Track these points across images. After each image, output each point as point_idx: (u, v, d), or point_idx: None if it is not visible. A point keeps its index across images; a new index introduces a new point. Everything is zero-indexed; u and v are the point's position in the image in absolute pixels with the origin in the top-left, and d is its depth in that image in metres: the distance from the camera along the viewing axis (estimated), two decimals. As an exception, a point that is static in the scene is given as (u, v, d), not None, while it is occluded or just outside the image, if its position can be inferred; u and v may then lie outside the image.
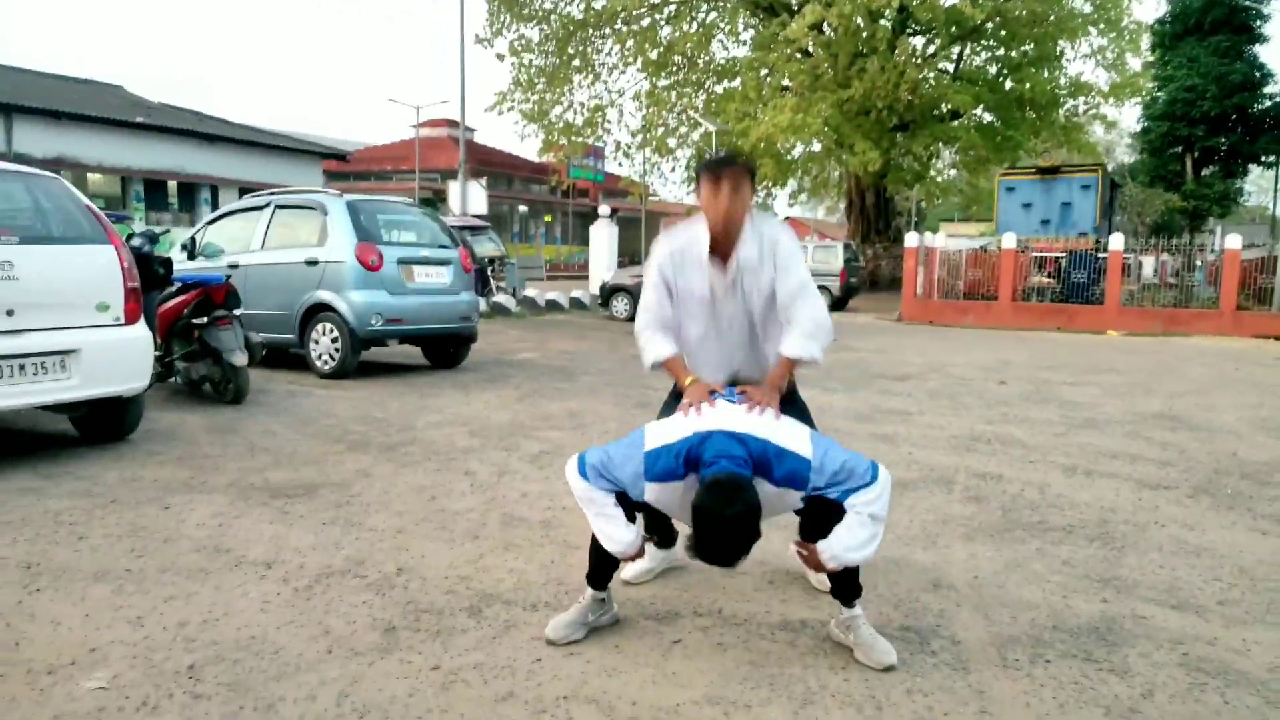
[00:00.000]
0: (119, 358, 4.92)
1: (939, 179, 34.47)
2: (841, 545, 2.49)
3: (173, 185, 23.31)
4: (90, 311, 4.85)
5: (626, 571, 3.13)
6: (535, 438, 5.71)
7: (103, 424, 5.23)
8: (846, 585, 2.68)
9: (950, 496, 4.52)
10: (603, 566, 2.76)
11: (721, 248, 2.83)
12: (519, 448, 5.42)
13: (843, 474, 2.49)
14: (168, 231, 9.01)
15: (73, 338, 4.69)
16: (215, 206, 23.73)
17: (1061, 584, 3.31)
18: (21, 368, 4.49)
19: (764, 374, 2.89)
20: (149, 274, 6.33)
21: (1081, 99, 26.83)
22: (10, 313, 4.46)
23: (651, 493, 2.57)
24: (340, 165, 33.15)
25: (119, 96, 25.25)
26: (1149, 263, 21.89)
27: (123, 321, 4.99)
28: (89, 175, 20.95)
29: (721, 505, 2.30)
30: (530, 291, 18.96)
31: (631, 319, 16.81)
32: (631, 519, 2.65)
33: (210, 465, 4.80)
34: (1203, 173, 31.10)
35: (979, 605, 3.10)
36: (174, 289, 6.60)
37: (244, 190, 24.10)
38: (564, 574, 3.32)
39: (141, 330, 5.11)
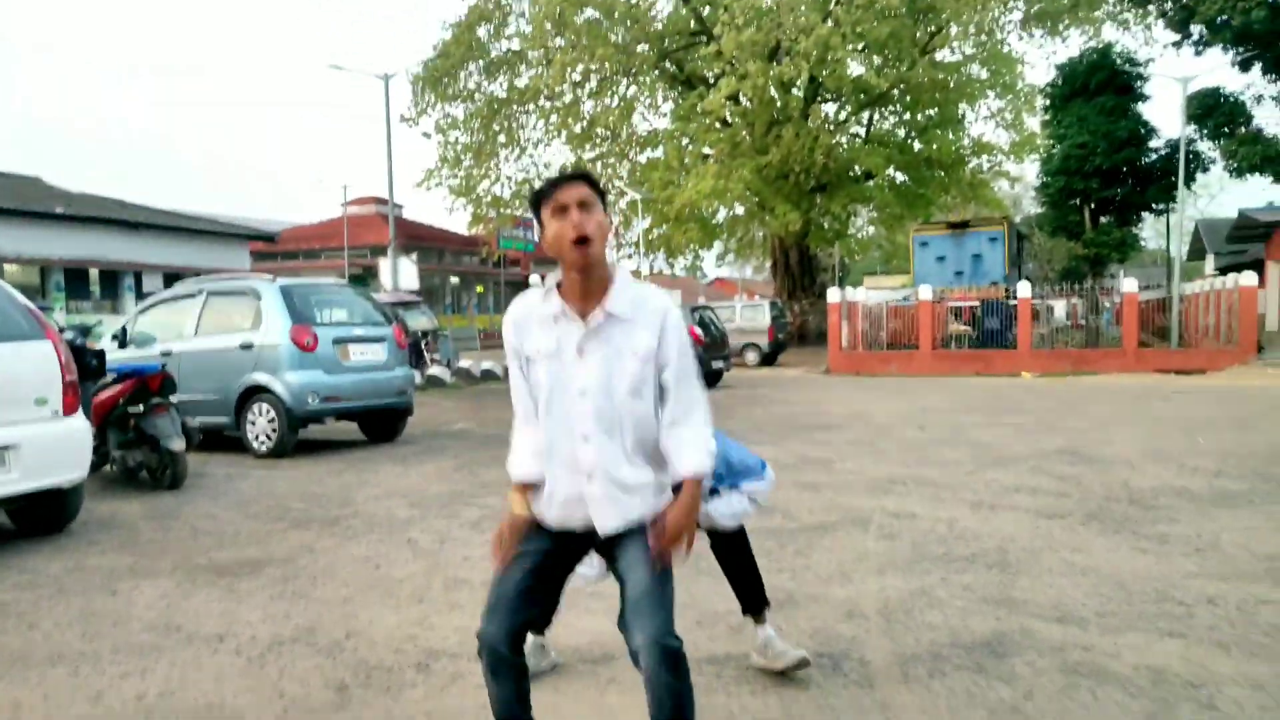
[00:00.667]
0: (58, 450, 5.01)
1: (858, 236, 35.87)
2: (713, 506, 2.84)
3: (94, 273, 22.99)
4: (29, 406, 4.95)
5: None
6: (474, 504, 5.91)
7: (41, 515, 5.28)
8: (753, 593, 3.04)
9: (866, 535, 4.86)
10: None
11: (579, 291, 2.15)
12: (459, 515, 5.61)
13: (738, 466, 2.90)
14: (99, 323, 9.02)
15: (12, 433, 4.78)
16: (140, 293, 23.43)
17: (961, 607, 3.65)
18: (-39, 464, 4.56)
19: (626, 478, 2.14)
20: (83, 365, 6.38)
21: (985, 157, 28.43)
22: (-50, 410, 4.55)
23: None
24: (268, 246, 33.03)
25: (38, 188, 24.95)
26: (1060, 306, 23.13)
27: (61, 414, 5.09)
28: (5, 266, 20.58)
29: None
30: (464, 362, 19.11)
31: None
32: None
33: (154, 550, 4.89)
34: (1100, 221, 33.04)
35: (886, 630, 3.41)
36: (109, 379, 6.67)
37: (169, 276, 23.88)
38: (505, 628, 3.53)
39: (80, 421, 5.21)
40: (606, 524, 2.12)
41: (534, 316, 2.20)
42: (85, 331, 7.15)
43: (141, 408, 6.48)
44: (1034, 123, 28.74)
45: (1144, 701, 2.74)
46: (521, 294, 2.35)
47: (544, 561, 2.18)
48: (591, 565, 2.56)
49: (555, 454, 2.16)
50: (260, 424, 8.05)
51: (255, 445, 8.08)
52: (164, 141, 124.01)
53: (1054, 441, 8.21)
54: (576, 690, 2.93)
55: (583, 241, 2.07)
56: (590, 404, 2.12)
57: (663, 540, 2.08)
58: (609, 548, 2.19)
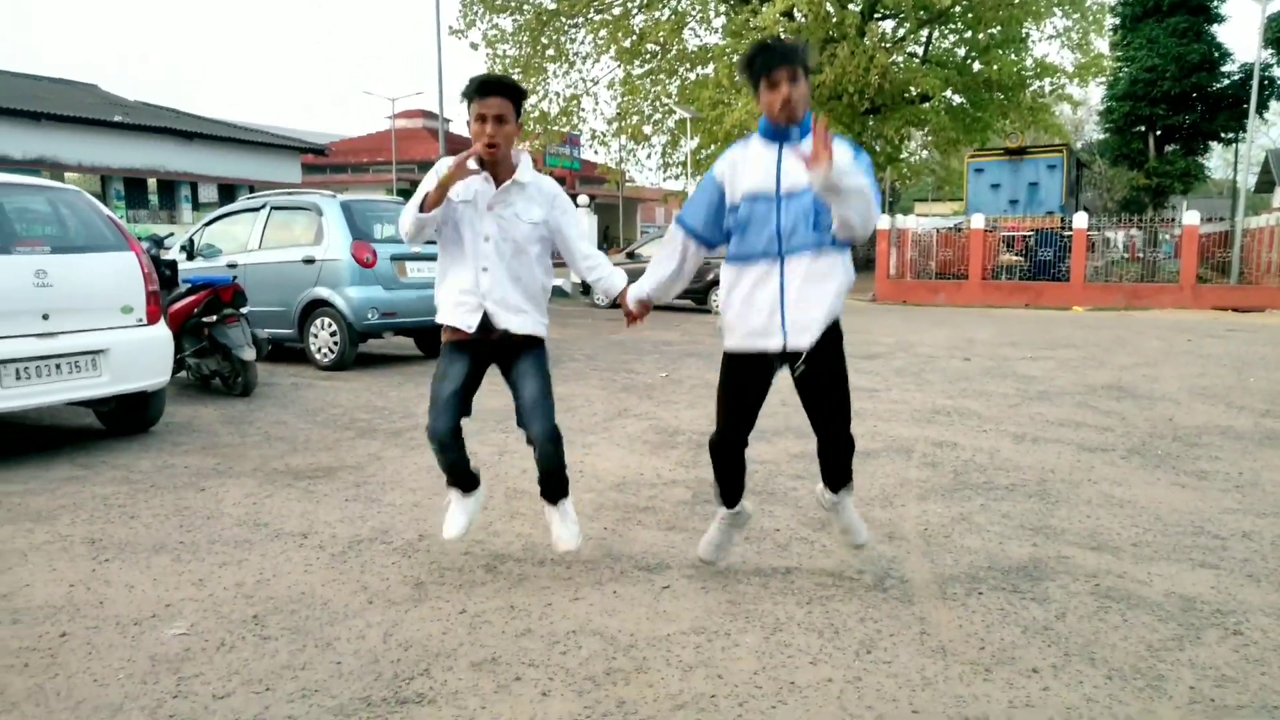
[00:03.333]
0: (143, 355, 5.32)
1: (911, 160, 35.07)
2: (854, 181, 2.65)
3: (152, 183, 23.47)
4: (116, 314, 5.24)
5: (449, 530, 3.37)
6: (529, 421, 6.14)
7: (128, 417, 5.63)
8: (839, 469, 3.11)
9: (909, 463, 5.02)
10: (728, 483, 3.16)
11: (492, 172, 3.07)
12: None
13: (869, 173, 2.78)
14: (170, 235, 9.33)
15: (102, 338, 5.08)
16: (195, 203, 23.90)
17: (999, 533, 3.81)
18: (58, 367, 4.88)
19: (512, 302, 3.14)
20: (159, 275, 6.69)
21: (1047, 80, 27.39)
22: (46, 317, 4.85)
23: (719, 169, 2.96)
24: (318, 159, 33.26)
25: (95, 95, 25.30)
26: (1119, 238, 22.61)
27: (145, 322, 5.38)
28: (68, 175, 21.07)
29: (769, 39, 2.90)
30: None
31: (613, 305, 17.03)
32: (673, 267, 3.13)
33: (233, 453, 5.21)
34: (1165, 150, 31.84)
35: (926, 552, 3.59)
36: (183, 289, 6.97)
37: (223, 186, 24.30)
38: (566, 536, 3.77)
39: (162, 329, 5.50)
40: (504, 326, 3.13)
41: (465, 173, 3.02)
42: (158, 243, 7.43)
43: (215, 318, 6.78)
44: (1102, 44, 27.55)
45: (1172, 625, 2.90)
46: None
47: (465, 379, 3.20)
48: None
49: (458, 275, 3.13)
50: (323, 337, 8.36)
51: (318, 357, 8.41)
52: (216, 49, 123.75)
53: (1101, 376, 8.22)
54: (632, 595, 3.16)
55: (491, 147, 2.98)
56: (491, 246, 3.09)
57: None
58: (508, 362, 3.23)
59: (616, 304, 3.35)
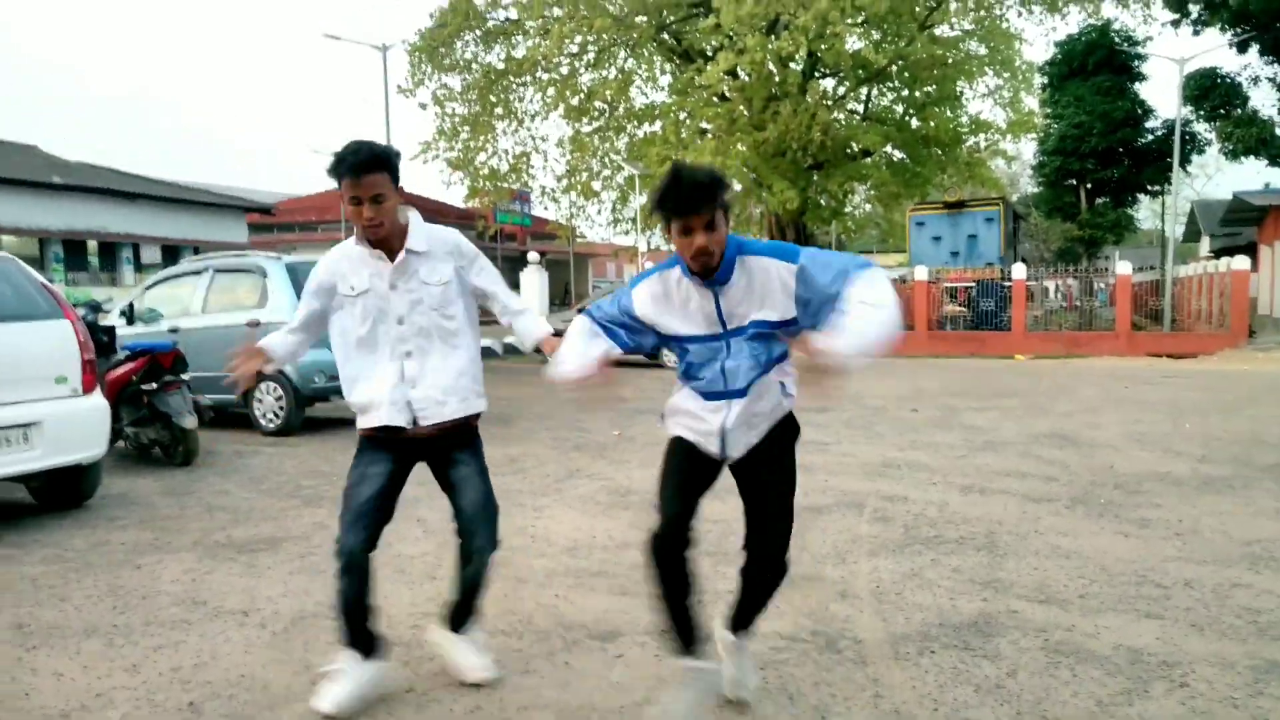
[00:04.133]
0: (79, 427, 5.16)
1: (855, 214, 35.90)
2: (849, 337, 2.23)
3: (93, 245, 22.99)
4: (49, 384, 5.08)
5: (327, 702, 2.74)
6: (480, 484, 6.06)
7: (61, 492, 5.43)
8: (754, 600, 2.68)
9: (860, 518, 5.05)
10: (673, 600, 2.55)
11: (385, 246, 2.76)
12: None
13: (834, 262, 2.42)
14: (109, 300, 9.13)
15: (34, 410, 4.93)
16: (138, 265, 23.46)
17: (949, 588, 3.84)
18: (-14, 441, 4.71)
19: (442, 382, 2.83)
20: (95, 342, 6.52)
21: (982, 135, 28.40)
22: (-26, 389, 4.68)
23: (638, 297, 2.57)
24: (264, 218, 32.95)
25: (35, 156, 24.85)
26: (1053, 287, 23.31)
27: (80, 392, 5.23)
28: (4, 238, 20.57)
29: (684, 167, 2.36)
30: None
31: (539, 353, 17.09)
32: (606, 345, 2.59)
33: (173, 526, 5.05)
34: (1096, 203, 33.14)
35: (878, 610, 3.60)
36: (121, 356, 6.80)
37: (167, 248, 23.93)
38: (515, 605, 3.71)
39: (98, 399, 5.35)
40: (429, 419, 2.80)
41: (349, 259, 2.81)
42: (95, 309, 7.27)
43: (154, 385, 6.61)
44: (1032, 101, 28.70)
45: (1121, 680, 2.93)
46: (329, 251, 2.92)
47: (387, 481, 2.82)
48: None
49: (376, 372, 2.81)
50: (268, 402, 8.20)
51: (263, 423, 8.24)
52: (159, 111, 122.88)
53: (1043, 425, 8.40)
54: (584, 664, 3.11)
55: (375, 227, 2.69)
56: (408, 327, 2.78)
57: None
58: (441, 458, 2.91)
59: (539, 351, 2.98)
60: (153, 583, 4.04)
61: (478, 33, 28.53)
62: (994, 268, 21.56)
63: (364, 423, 2.87)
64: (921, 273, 20.21)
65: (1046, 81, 32.47)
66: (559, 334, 2.83)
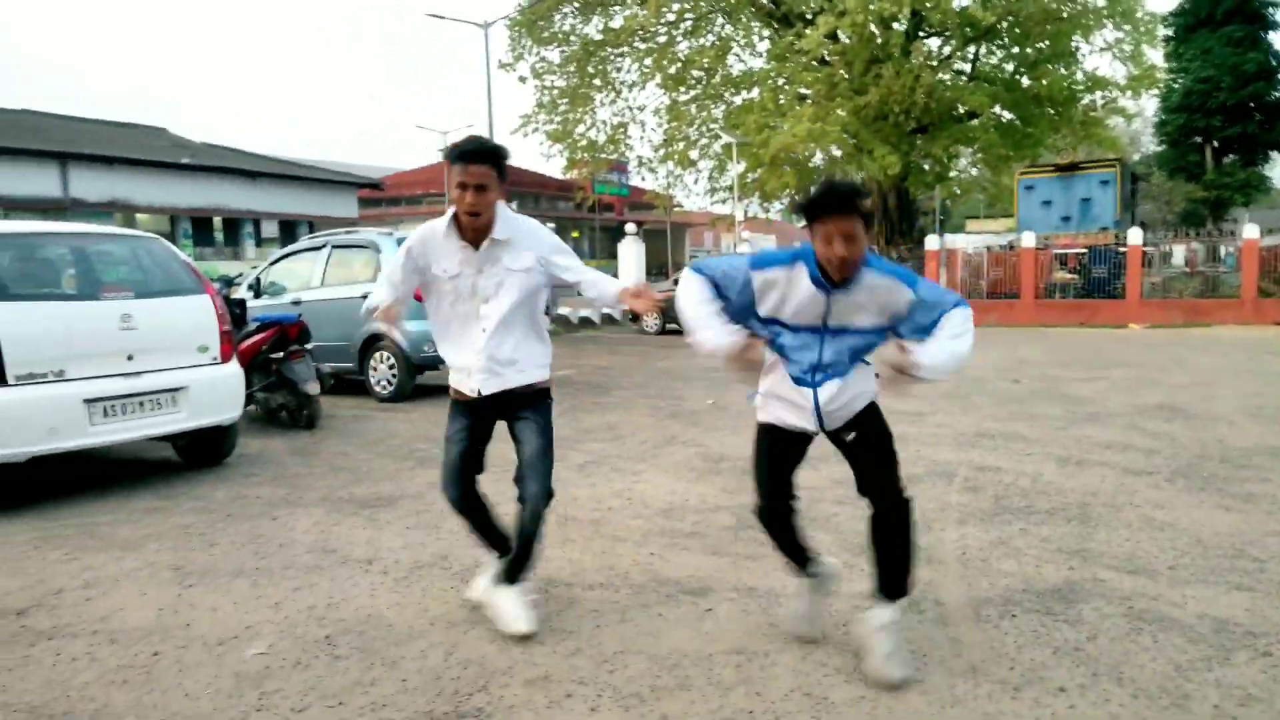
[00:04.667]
0: (218, 392, 5.66)
1: (961, 178, 34.80)
2: (932, 356, 2.60)
3: (217, 221, 24.38)
4: (193, 353, 5.59)
5: (473, 591, 3.41)
6: (579, 449, 6.37)
7: (203, 450, 5.98)
8: (896, 575, 2.85)
9: (950, 488, 5.11)
10: (787, 548, 3.01)
11: (472, 233, 3.08)
12: (565, 459, 6.07)
13: (939, 297, 2.72)
14: (240, 275, 9.82)
15: (181, 377, 5.44)
16: (259, 240, 24.78)
17: (1036, 556, 3.90)
18: (141, 404, 5.24)
19: (509, 356, 3.16)
20: (230, 315, 7.09)
21: (1099, 93, 27.05)
22: (131, 358, 5.21)
23: (758, 278, 2.73)
24: (374, 193, 34.21)
25: (164, 139, 26.44)
26: (1178, 252, 22.18)
27: (219, 360, 5.73)
28: (139, 216, 22.04)
29: (835, 179, 2.69)
30: (563, 309, 19.68)
31: (661, 332, 17.25)
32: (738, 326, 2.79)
33: (302, 483, 5.52)
34: (1223, 162, 31.16)
35: (963, 576, 3.70)
36: (252, 328, 7.36)
37: (284, 223, 25.17)
38: (613, 562, 3.96)
39: (235, 367, 5.85)
40: (493, 387, 3.16)
41: (435, 242, 3.15)
42: (228, 283, 7.86)
43: (281, 354, 7.15)
44: (1155, 55, 27.14)
45: (1203, 647, 2.97)
46: (422, 226, 3.27)
47: (470, 438, 3.26)
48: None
49: (460, 345, 3.19)
50: (381, 370, 8.72)
51: (377, 390, 8.77)
52: (277, 91, 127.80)
53: (1153, 397, 8.17)
54: (678, 616, 3.34)
55: (474, 215, 3.02)
56: (491, 306, 3.13)
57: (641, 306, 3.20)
58: (511, 416, 3.25)
59: (636, 317, 3.36)
60: (288, 532, 4.46)
61: (575, 4, 28.73)
62: (1108, 232, 20.67)
63: (455, 384, 3.29)
64: (1029, 239, 19.55)
65: (1171, 33, 30.60)
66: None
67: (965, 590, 3.53)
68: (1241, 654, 2.92)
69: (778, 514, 2.96)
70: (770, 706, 2.65)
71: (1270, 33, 29.77)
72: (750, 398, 2.99)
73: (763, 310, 2.79)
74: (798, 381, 2.81)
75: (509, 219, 3.17)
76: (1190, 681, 2.73)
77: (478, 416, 3.26)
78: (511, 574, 3.25)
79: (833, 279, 2.64)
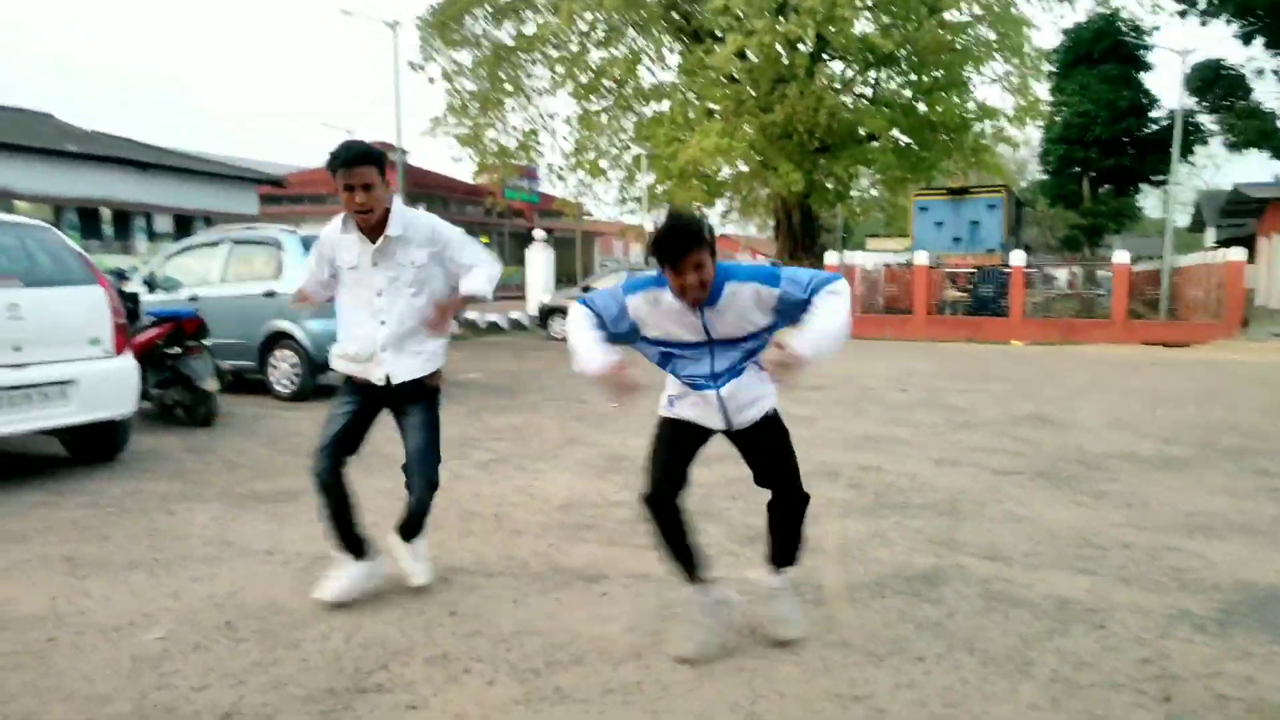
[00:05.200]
0: (111, 385, 5.55)
1: (861, 197, 36.09)
2: (810, 344, 2.72)
3: (106, 213, 23.32)
4: (84, 345, 5.47)
5: (327, 593, 3.37)
6: (483, 448, 6.47)
7: (94, 445, 5.84)
8: (787, 536, 3.14)
9: (835, 485, 5.43)
10: (674, 544, 2.99)
11: (368, 229, 3.25)
12: (468, 457, 6.17)
13: (804, 278, 2.82)
14: (134, 268, 9.52)
15: (71, 369, 5.32)
16: (151, 234, 23.82)
17: (908, 546, 4.22)
18: (28, 397, 5.11)
19: (410, 347, 3.35)
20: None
21: (989, 122, 28.55)
22: (17, 348, 5.08)
23: (630, 304, 2.89)
24: (275, 190, 33.26)
25: (49, 125, 25.16)
26: (1062, 274, 23.55)
27: (112, 353, 5.62)
28: (20, 205, 20.92)
29: (675, 216, 2.75)
30: (471, 314, 19.61)
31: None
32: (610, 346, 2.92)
33: (199, 479, 5.46)
34: (1099, 191, 33.30)
35: (841, 562, 3.98)
36: (147, 322, 7.19)
37: (179, 218, 24.26)
38: (511, 552, 4.10)
39: (129, 360, 5.74)
40: (396, 378, 3.34)
41: (335, 239, 3.34)
42: (121, 276, 7.66)
43: (178, 350, 7.01)
44: (1040, 88, 28.81)
45: (1046, 621, 3.31)
46: (325, 228, 3.44)
47: (353, 418, 3.40)
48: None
49: (357, 333, 3.35)
50: (283, 368, 8.61)
51: (278, 388, 8.65)
52: (171, 81, 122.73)
53: (1024, 407, 8.76)
54: (574, 599, 3.51)
55: (365, 213, 3.19)
56: (384, 299, 3.30)
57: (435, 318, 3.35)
58: (400, 408, 3.44)
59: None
60: (185, 526, 4.44)
61: (488, 8, 28.72)
62: (995, 254, 21.84)
63: (341, 368, 3.46)
64: (922, 258, 20.49)
65: (1053, 69, 32.53)
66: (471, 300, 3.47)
67: (842, 575, 3.81)
68: (1079, 627, 3.26)
69: (665, 498, 2.94)
70: (657, 678, 2.84)
71: (1141, 72, 32.00)
72: (611, 402, 3.01)
73: (647, 333, 2.97)
74: (698, 387, 2.99)
75: (402, 215, 3.30)
76: (1033, 650, 3.05)
77: (368, 400, 3.41)
78: (407, 533, 3.57)
79: (690, 305, 2.81)
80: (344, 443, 3.38)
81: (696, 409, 3.04)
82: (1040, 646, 3.09)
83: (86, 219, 22.50)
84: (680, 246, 2.70)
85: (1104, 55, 31.16)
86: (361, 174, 3.13)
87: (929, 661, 2.96)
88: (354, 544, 3.44)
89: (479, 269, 3.43)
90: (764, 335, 2.97)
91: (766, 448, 3.09)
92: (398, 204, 3.31)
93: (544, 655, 3.00)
